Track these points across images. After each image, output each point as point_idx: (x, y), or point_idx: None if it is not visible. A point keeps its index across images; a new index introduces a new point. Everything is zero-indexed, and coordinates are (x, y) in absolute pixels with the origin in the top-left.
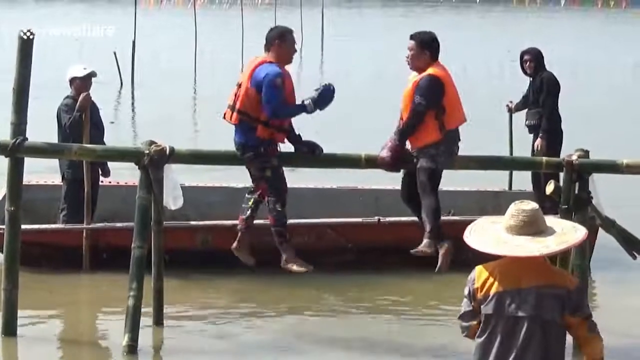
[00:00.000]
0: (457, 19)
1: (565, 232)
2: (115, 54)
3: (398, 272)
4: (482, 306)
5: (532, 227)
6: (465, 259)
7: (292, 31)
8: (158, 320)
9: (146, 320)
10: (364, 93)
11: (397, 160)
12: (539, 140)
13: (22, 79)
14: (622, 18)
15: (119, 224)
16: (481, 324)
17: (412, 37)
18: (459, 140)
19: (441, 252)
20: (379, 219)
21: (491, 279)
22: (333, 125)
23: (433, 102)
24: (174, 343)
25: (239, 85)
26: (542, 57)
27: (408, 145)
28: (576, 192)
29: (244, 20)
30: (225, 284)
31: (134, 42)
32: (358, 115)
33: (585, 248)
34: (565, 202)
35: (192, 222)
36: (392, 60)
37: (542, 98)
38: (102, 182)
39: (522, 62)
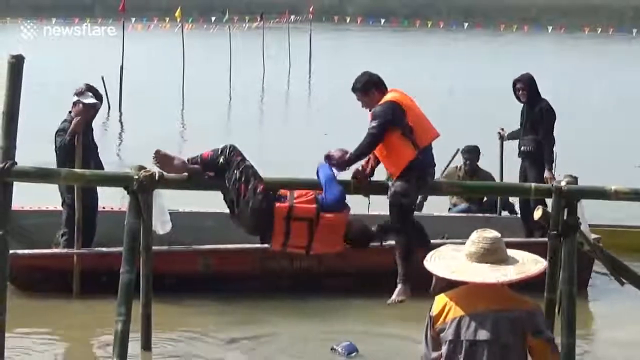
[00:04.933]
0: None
1: (525, 263)
2: (102, 78)
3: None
4: (441, 334)
5: (492, 255)
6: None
7: None
8: (146, 346)
9: (135, 346)
10: (350, 110)
11: (342, 163)
12: (547, 173)
13: (11, 103)
14: (606, 42)
15: (105, 249)
16: (443, 352)
17: (352, 90)
18: (434, 165)
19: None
20: (382, 243)
21: (449, 306)
22: (319, 145)
23: (389, 122)
24: None
25: None
26: (535, 83)
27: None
28: (565, 218)
29: (232, 43)
30: (217, 309)
31: (121, 67)
32: (340, 135)
33: (574, 273)
34: (554, 228)
35: (194, 246)
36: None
37: (542, 130)
38: (103, 207)
39: (515, 90)
